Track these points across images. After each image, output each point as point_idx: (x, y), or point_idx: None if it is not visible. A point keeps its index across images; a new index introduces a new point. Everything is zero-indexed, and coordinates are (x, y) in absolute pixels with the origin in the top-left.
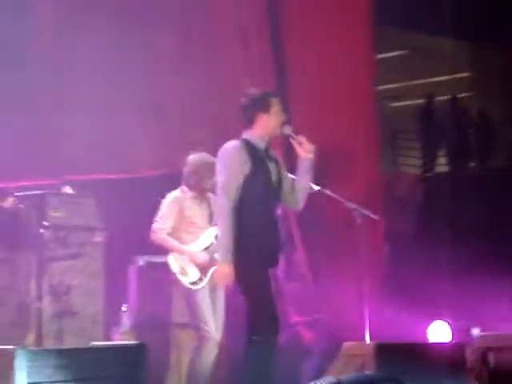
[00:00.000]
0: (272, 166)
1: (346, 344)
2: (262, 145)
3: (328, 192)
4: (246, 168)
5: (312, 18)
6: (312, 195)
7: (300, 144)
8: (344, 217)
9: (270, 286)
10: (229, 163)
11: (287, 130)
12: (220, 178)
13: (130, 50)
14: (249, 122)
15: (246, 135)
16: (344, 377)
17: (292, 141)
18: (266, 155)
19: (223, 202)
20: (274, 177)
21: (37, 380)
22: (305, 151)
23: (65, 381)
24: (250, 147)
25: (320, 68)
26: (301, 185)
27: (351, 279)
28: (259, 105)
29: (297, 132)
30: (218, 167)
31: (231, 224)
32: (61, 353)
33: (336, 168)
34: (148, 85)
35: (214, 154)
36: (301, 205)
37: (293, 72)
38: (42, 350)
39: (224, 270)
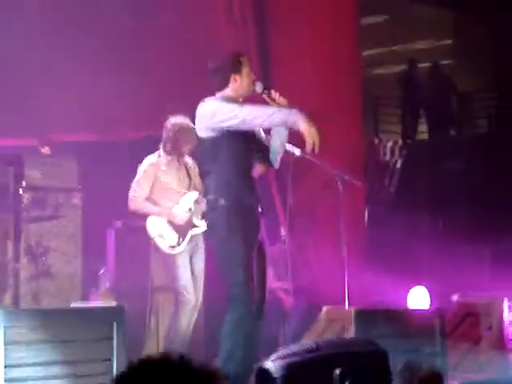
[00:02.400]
0: None
1: (326, 308)
2: None
3: (309, 157)
4: None
5: None
6: (293, 160)
7: (273, 100)
8: (325, 182)
9: (250, 248)
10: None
11: (259, 87)
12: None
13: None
14: (222, 85)
15: (219, 96)
16: (322, 341)
17: (265, 97)
18: None
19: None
20: (251, 135)
21: (12, 339)
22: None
23: (41, 341)
24: None
25: (303, 32)
26: (277, 142)
27: (331, 244)
28: (231, 66)
29: (269, 88)
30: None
31: None
32: (38, 313)
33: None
34: (129, 47)
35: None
36: (277, 165)
37: (275, 37)
38: (19, 310)
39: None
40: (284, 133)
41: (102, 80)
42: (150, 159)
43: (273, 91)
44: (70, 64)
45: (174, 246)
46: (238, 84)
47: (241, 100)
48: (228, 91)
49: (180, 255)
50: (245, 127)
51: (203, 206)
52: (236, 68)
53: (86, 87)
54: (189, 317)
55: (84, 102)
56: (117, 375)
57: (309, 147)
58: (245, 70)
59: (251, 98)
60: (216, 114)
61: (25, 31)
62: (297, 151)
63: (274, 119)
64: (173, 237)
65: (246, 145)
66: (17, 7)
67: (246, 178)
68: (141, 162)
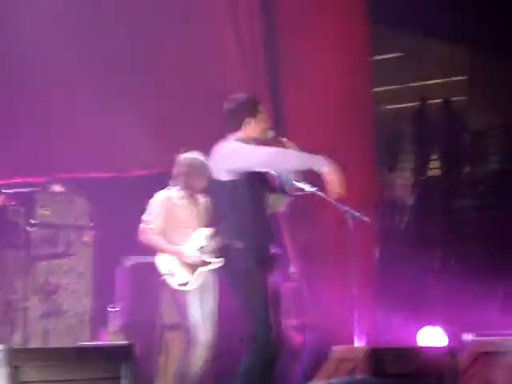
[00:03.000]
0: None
1: (336, 348)
2: None
3: (320, 193)
4: None
5: (307, 17)
6: (304, 196)
7: (283, 146)
8: (336, 219)
9: (266, 289)
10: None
11: (271, 134)
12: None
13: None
14: (236, 126)
15: (233, 138)
16: (334, 381)
17: (275, 143)
18: None
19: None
20: (264, 175)
21: (21, 378)
22: None
23: (51, 381)
24: None
25: (315, 69)
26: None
27: (342, 282)
28: (247, 109)
29: (282, 135)
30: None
31: None
32: (47, 352)
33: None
34: (135, 83)
35: (206, 154)
36: (283, 207)
37: (286, 75)
38: (28, 349)
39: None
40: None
41: (113, 117)
42: (163, 193)
43: (284, 139)
44: (82, 103)
45: (184, 284)
46: (251, 127)
47: (252, 142)
48: (241, 134)
49: (190, 293)
50: (269, 169)
51: (215, 243)
52: (251, 111)
53: (97, 125)
54: (199, 356)
55: (95, 139)
56: None
57: (332, 196)
58: (260, 114)
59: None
60: (242, 155)
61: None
62: (308, 188)
63: (301, 163)
64: (183, 274)
65: (263, 185)
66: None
67: (263, 218)
68: (151, 197)
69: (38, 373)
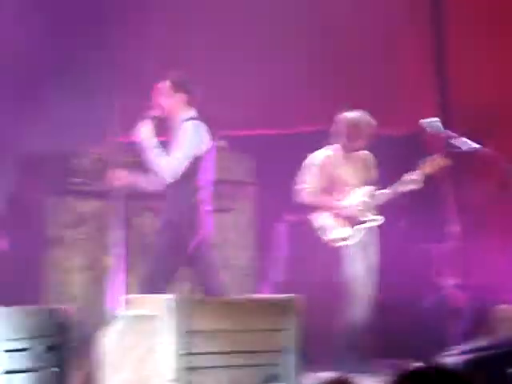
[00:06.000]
0: None
1: (498, 307)
2: None
3: (488, 151)
4: None
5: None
6: (470, 153)
7: None
8: (501, 178)
9: None
10: None
11: None
12: None
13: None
14: None
15: None
16: (495, 339)
17: None
18: None
19: None
20: None
21: (195, 328)
22: None
23: (219, 330)
24: None
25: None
26: None
27: (505, 241)
28: None
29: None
30: None
31: None
32: (217, 302)
33: (501, 127)
34: (302, 38)
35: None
36: None
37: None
38: (199, 299)
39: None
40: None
41: (277, 73)
42: (323, 152)
43: None
44: (245, 55)
45: (344, 239)
46: None
47: None
48: None
49: (352, 248)
50: None
51: (375, 201)
52: None
53: (262, 83)
54: (361, 311)
55: (260, 97)
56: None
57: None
58: None
59: None
60: None
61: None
62: (475, 144)
63: None
64: (343, 230)
65: None
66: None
67: None
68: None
69: (207, 322)
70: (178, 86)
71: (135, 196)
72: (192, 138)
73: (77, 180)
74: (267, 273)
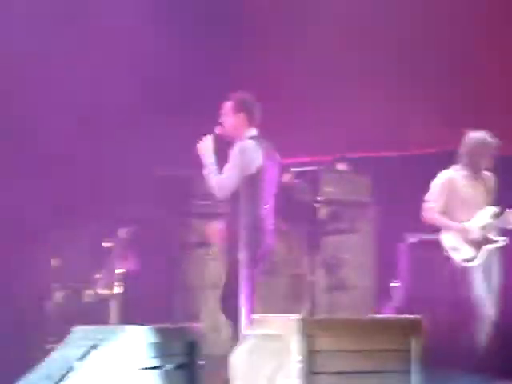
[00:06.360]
0: None
1: None
2: None
3: None
4: None
5: None
6: None
7: None
8: None
9: None
10: None
11: None
12: None
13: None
14: None
15: None
16: None
17: None
18: None
19: None
20: None
21: (315, 348)
22: None
23: (342, 350)
24: None
25: None
26: None
27: None
28: None
29: None
30: None
31: None
32: (339, 323)
33: None
34: (417, 59)
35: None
36: None
37: None
38: (320, 320)
39: None
40: None
41: (394, 94)
42: (447, 173)
43: None
44: (363, 78)
45: (469, 260)
46: None
47: None
48: None
49: (475, 269)
50: None
51: (499, 222)
52: None
53: (378, 102)
54: (483, 330)
55: (377, 117)
56: None
57: None
58: None
59: None
60: None
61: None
62: None
63: None
64: (468, 250)
65: None
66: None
67: None
68: (434, 176)
69: (330, 342)
70: (239, 106)
71: None
72: (240, 158)
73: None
74: (388, 293)
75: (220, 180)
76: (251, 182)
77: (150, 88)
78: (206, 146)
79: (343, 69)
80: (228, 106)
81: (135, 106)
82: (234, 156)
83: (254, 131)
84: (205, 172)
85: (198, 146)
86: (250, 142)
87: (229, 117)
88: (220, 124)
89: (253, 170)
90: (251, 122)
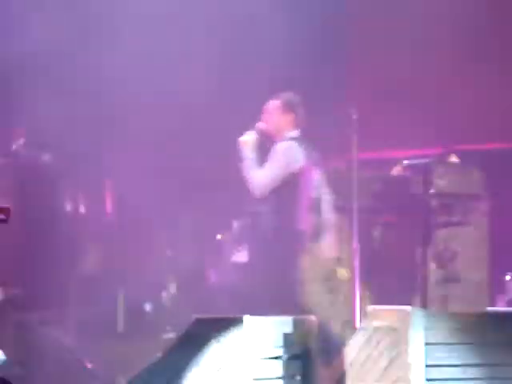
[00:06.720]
0: None
1: None
2: None
3: None
4: None
5: None
6: None
7: None
8: None
9: None
10: None
11: None
12: None
13: None
14: None
15: None
16: None
17: None
18: None
19: None
20: None
21: (433, 340)
22: None
23: (460, 343)
24: None
25: None
26: None
27: None
28: None
29: None
30: None
31: None
32: (456, 316)
33: None
34: None
35: None
36: None
37: None
38: (439, 313)
39: None
40: None
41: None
42: None
43: None
44: (479, 66)
45: None
46: None
47: None
48: None
49: None
50: None
51: None
52: None
53: (493, 91)
54: None
55: (490, 110)
56: None
57: None
58: None
59: None
60: None
61: None
62: None
63: None
64: None
65: None
66: None
67: None
68: None
69: (446, 335)
70: (288, 107)
71: (367, 210)
72: (282, 158)
73: None
74: (502, 286)
75: (258, 176)
76: (292, 182)
77: None
78: (247, 141)
79: (457, 59)
80: (275, 105)
81: None
82: (278, 155)
83: (296, 132)
84: (243, 166)
85: (239, 139)
86: (294, 142)
87: (274, 116)
88: (262, 121)
89: (295, 169)
90: (297, 124)
